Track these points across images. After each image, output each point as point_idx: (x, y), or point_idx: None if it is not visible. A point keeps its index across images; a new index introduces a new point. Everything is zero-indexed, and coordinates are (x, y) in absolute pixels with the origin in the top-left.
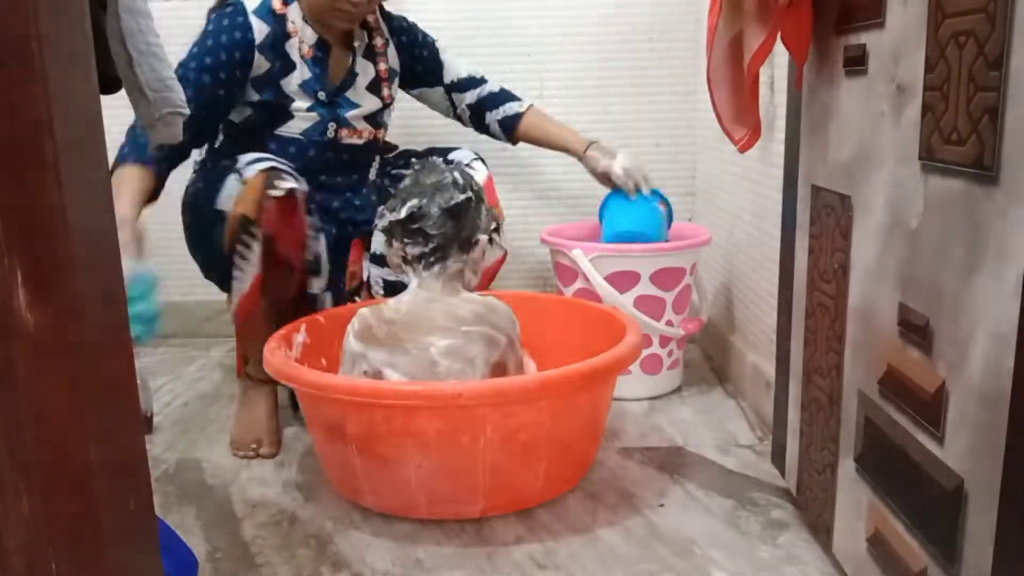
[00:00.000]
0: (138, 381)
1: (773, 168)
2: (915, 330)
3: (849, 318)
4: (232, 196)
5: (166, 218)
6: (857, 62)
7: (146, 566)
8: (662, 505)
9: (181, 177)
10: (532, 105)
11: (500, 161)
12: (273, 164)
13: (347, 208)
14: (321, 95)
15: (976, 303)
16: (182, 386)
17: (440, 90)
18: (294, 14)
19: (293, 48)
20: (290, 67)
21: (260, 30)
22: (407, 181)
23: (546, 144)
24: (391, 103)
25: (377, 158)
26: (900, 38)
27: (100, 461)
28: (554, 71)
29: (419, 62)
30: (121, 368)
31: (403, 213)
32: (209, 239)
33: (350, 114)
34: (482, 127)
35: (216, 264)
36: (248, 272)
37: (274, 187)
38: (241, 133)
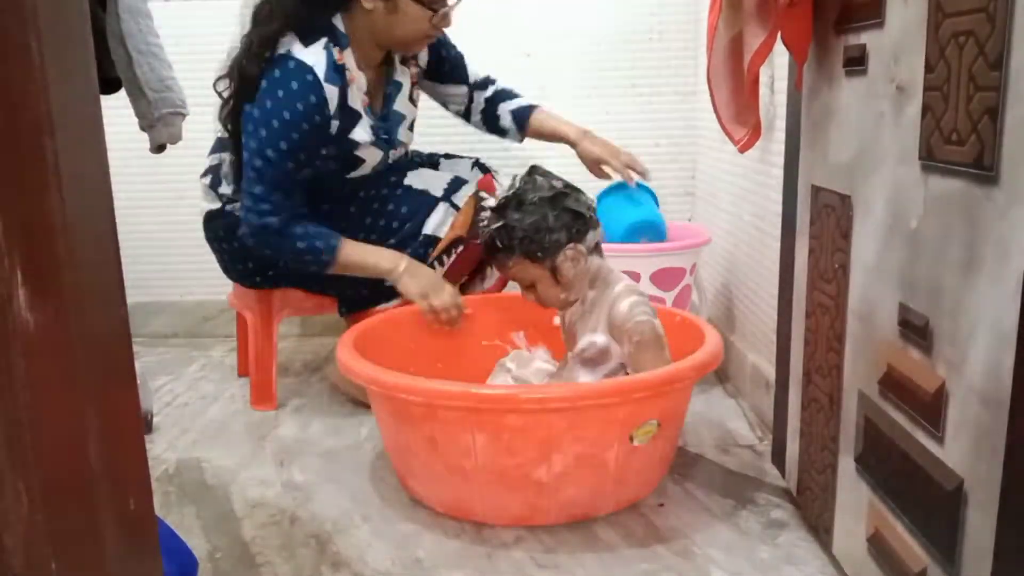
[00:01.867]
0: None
1: (773, 168)
2: (915, 330)
3: (849, 318)
4: (445, 222)
5: (167, 218)
6: (857, 62)
7: (146, 566)
8: (662, 505)
9: (177, 177)
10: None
11: (501, 162)
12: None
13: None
14: (383, 135)
15: (976, 303)
16: (182, 386)
17: (464, 88)
18: (350, 61)
19: (355, 99)
20: (356, 118)
21: (331, 94)
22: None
23: (549, 136)
24: (418, 104)
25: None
26: (900, 38)
27: (100, 461)
28: (554, 71)
29: (446, 61)
30: (121, 368)
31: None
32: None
33: (400, 133)
34: (492, 120)
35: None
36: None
37: (484, 209)
38: (311, 184)
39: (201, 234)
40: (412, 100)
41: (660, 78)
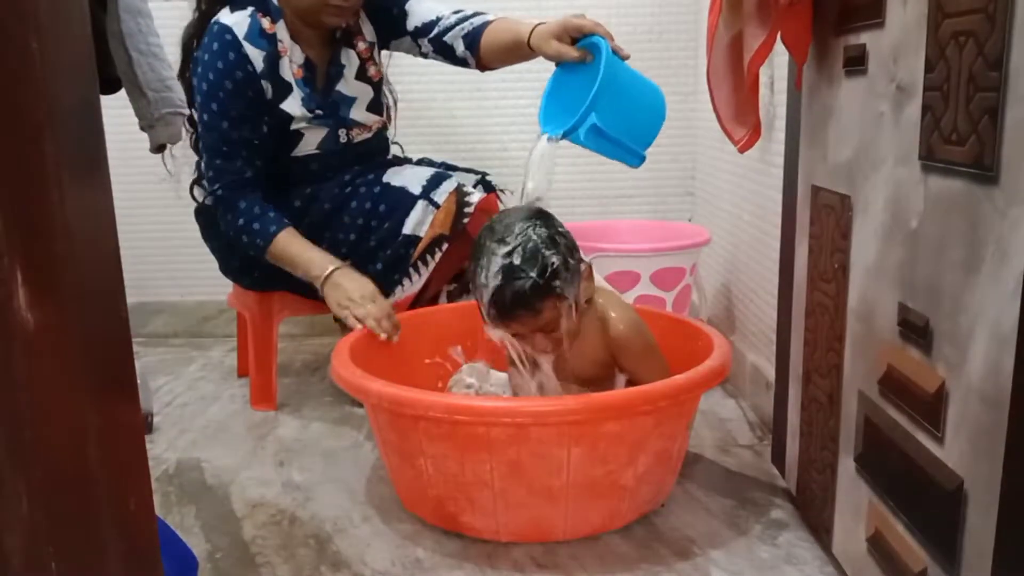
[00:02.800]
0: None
1: (773, 168)
2: (915, 330)
3: (849, 318)
4: (425, 221)
5: (167, 218)
6: (857, 62)
7: (146, 566)
8: (662, 505)
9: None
10: (503, 17)
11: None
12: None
13: None
14: (319, 110)
15: (976, 303)
16: (182, 386)
17: (407, 39)
18: (283, 33)
19: (286, 69)
20: (287, 89)
21: (256, 57)
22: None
23: (508, 50)
24: (380, 80)
25: (390, 144)
26: (900, 38)
27: (100, 461)
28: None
29: (386, 18)
30: (121, 368)
31: None
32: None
33: (353, 113)
34: (450, 55)
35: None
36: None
37: (467, 204)
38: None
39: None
40: (367, 79)
41: (660, 78)
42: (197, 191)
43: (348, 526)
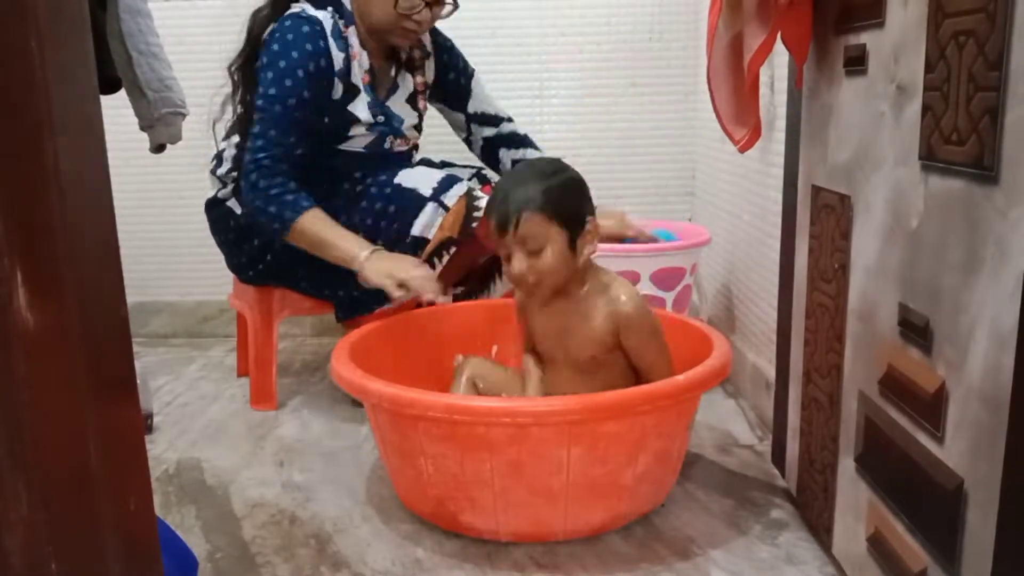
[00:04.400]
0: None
1: (773, 168)
2: (915, 330)
3: (849, 318)
4: (434, 223)
5: (167, 218)
6: (857, 62)
7: (146, 566)
8: (662, 505)
9: (177, 177)
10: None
11: None
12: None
13: None
14: (380, 117)
15: (976, 303)
16: (182, 386)
17: (461, 116)
18: (353, 38)
19: (356, 73)
20: (354, 92)
21: (336, 55)
22: None
23: None
24: (423, 113)
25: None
26: (900, 38)
27: (100, 461)
28: (554, 71)
29: (451, 85)
30: (121, 368)
31: None
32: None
33: (404, 126)
34: (493, 162)
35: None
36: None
37: (476, 209)
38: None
39: (201, 234)
40: (414, 106)
41: (660, 78)
42: (212, 180)
43: (348, 526)
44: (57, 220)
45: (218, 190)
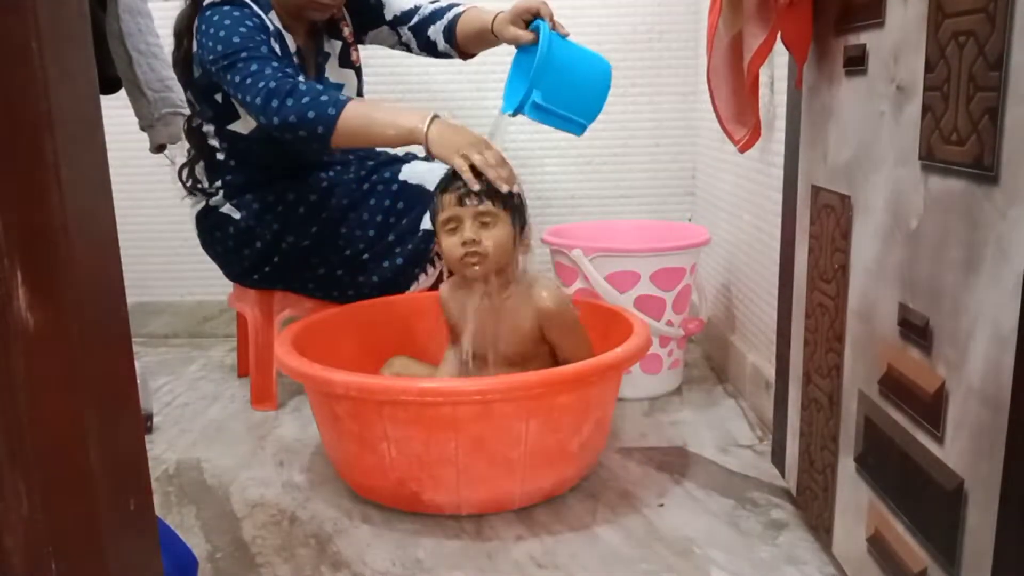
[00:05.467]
0: (138, 381)
1: (773, 168)
2: (915, 330)
3: (849, 318)
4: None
5: (167, 218)
6: (857, 62)
7: (146, 566)
8: (662, 505)
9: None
10: (472, 7)
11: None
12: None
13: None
14: None
15: (976, 303)
16: (182, 386)
17: (384, 28)
18: (276, 22)
19: (286, 55)
20: None
21: (270, 25)
22: None
23: (477, 36)
24: (360, 66)
25: None
26: (900, 38)
27: (100, 461)
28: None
29: (365, 11)
30: (121, 368)
31: None
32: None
33: (344, 92)
34: (430, 48)
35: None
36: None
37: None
38: (253, 143)
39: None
40: (350, 63)
41: (660, 78)
42: (193, 199)
43: (348, 526)
44: (57, 220)
45: (208, 198)
